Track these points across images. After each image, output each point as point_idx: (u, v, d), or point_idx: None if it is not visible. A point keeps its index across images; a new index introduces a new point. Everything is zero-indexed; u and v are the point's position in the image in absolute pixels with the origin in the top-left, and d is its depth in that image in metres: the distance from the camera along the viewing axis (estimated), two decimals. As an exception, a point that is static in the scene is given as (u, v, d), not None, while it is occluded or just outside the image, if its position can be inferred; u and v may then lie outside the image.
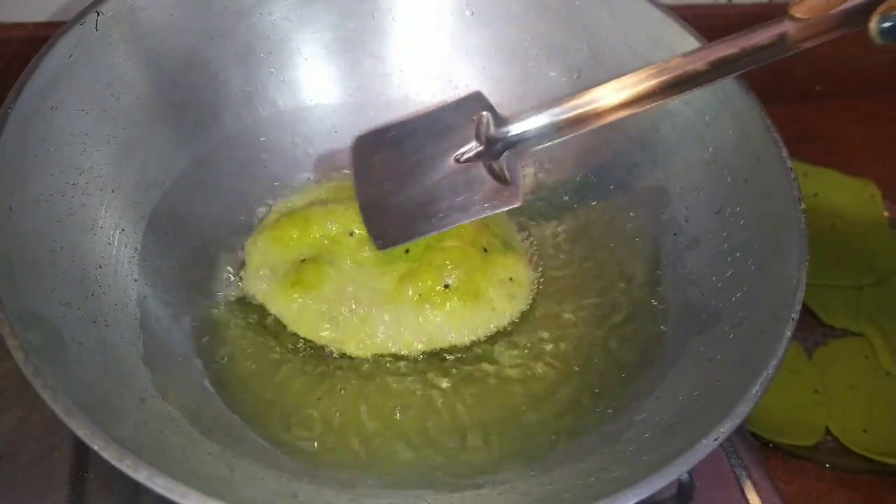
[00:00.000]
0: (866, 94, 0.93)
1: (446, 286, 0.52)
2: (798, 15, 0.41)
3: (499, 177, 0.51)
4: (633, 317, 0.53)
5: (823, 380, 0.67)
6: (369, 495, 0.43)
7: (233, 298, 0.53)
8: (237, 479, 0.40)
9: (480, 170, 0.51)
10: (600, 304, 0.54)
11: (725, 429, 0.36)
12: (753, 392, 0.37)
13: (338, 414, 0.48)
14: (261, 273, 0.54)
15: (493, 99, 0.61)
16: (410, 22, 0.61)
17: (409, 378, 0.51)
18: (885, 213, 0.78)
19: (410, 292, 0.52)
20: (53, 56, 0.46)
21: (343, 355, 0.52)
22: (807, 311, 0.72)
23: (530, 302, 0.55)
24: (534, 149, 0.50)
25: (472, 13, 0.60)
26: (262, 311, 0.53)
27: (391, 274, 0.53)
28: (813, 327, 0.71)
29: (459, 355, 0.52)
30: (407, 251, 0.54)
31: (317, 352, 0.52)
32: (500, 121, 0.51)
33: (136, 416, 0.40)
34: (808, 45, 0.42)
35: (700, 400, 0.42)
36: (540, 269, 0.57)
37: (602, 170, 0.59)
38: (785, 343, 0.39)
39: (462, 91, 0.62)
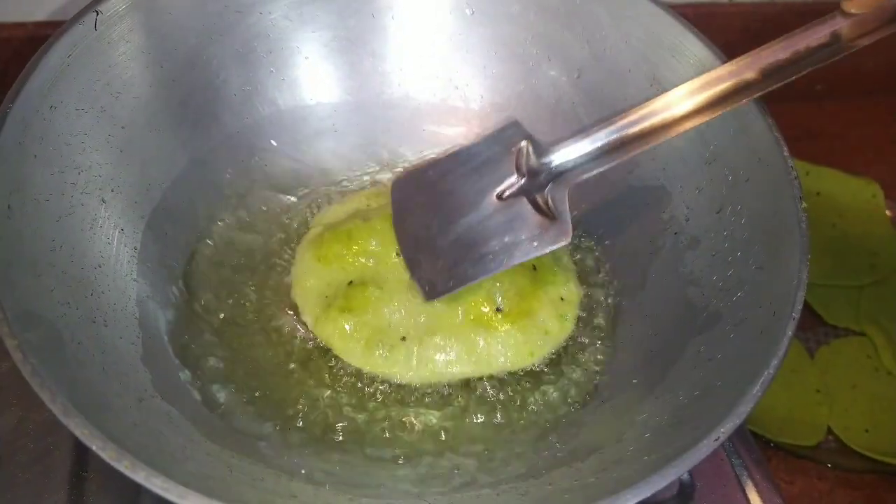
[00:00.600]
0: (868, 93, 0.92)
1: (498, 310, 0.50)
2: (852, 10, 0.39)
3: (544, 212, 0.47)
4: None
5: (825, 379, 0.67)
6: (368, 496, 0.43)
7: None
8: (236, 480, 0.39)
9: (524, 206, 0.48)
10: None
11: (726, 429, 0.36)
12: (754, 392, 0.37)
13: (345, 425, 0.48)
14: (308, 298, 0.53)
15: (493, 98, 0.62)
16: (410, 21, 0.60)
17: (451, 404, 0.50)
18: (887, 213, 0.78)
19: (461, 317, 0.50)
20: (53, 55, 0.46)
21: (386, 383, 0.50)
22: (808, 310, 0.72)
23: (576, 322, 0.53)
24: (579, 179, 0.48)
25: (472, 12, 0.60)
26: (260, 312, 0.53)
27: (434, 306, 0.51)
28: (815, 327, 0.71)
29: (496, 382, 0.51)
30: None
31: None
32: (541, 150, 0.48)
33: (135, 415, 0.40)
34: (863, 42, 0.39)
35: (701, 400, 0.42)
36: (584, 286, 0.55)
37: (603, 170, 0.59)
38: (786, 342, 0.39)
39: (462, 90, 0.62)
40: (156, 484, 0.33)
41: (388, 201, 0.54)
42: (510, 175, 0.49)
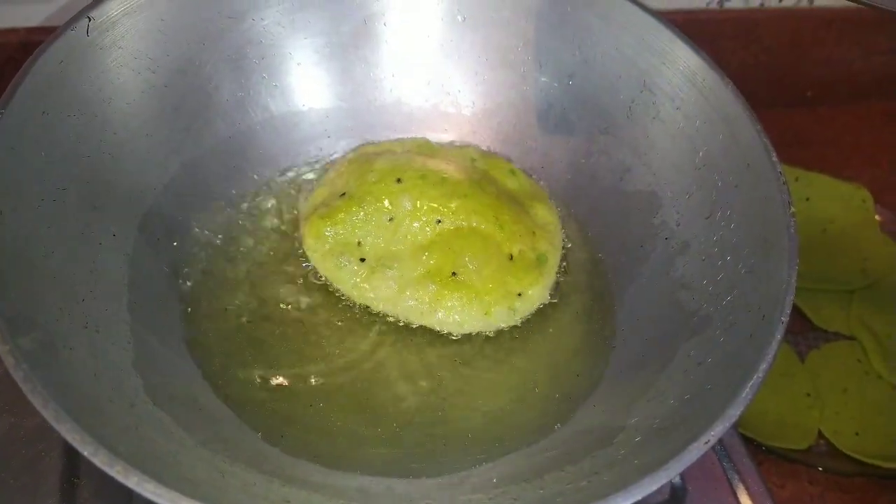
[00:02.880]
0: (857, 99, 0.93)
1: (454, 274, 0.54)
2: None
3: None
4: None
5: (816, 383, 0.67)
6: (361, 501, 0.43)
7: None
8: (228, 485, 0.39)
9: None
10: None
11: (716, 431, 0.36)
12: (744, 395, 0.38)
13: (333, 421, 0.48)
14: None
15: (484, 104, 0.62)
16: (402, 27, 0.61)
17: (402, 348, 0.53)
18: (877, 218, 0.78)
19: (422, 262, 0.54)
20: (45, 61, 0.46)
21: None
22: (799, 314, 0.72)
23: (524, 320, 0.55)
24: None
25: (464, 18, 0.60)
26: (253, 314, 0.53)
27: (412, 240, 0.55)
28: (805, 331, 0.72)
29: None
30: (439, 221, 0.55)
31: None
32: None
33: (127, 421, 0.40)
34: None
35: (691, 403, 0.42)
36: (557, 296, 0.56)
37: (594, 175, 0.59)
38: (775, 346, 0.40)
39: (454, 96, 0.62)
40: (148, 489, 0.33)
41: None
42: None
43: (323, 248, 0.55)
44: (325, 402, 0.49)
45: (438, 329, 0.53)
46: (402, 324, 0.54)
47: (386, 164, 0.57)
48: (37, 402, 0.34)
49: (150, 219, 0.52)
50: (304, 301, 0.54)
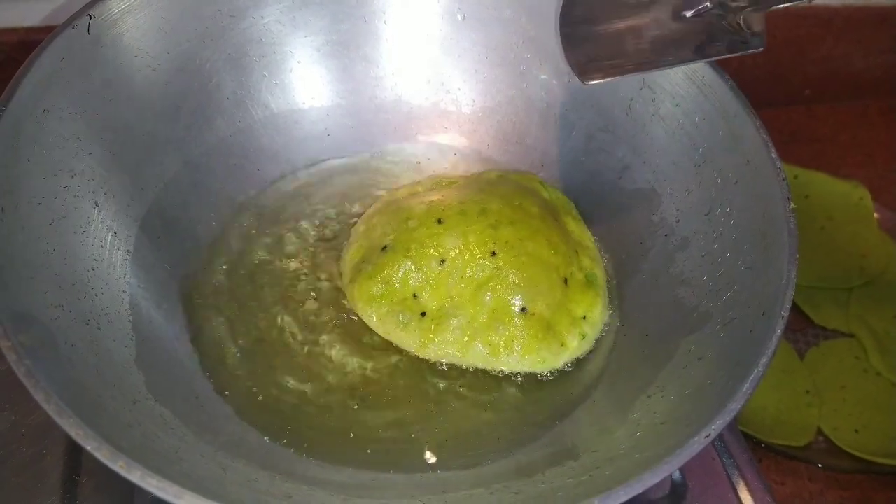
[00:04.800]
0: (855, 97, 0.93)
1: (523, 310, 0.51)
2: None
3: (735, 29, 0.46)
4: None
5: (815, 380, 0.67)
6: (362, 496, 0.43)
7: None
8: (230, 480, 0.40)
9: (715, 20, 0.46)
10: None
11: (716, 426, 0.36)
12: (744, 390, 0.38)
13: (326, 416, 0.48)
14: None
15: (485, 101, 0.62)
16: (402, 25, 0.61)
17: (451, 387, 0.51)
18: (875, 215, 0.78)
19: (486, 305, 0.51)
20: (46, 59, 0.46)
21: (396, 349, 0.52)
22: (798, 312, 0.72)
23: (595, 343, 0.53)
24: (778, 6, 0.45)
25: (464, 17, 0.60)
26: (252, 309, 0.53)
27: (470, 280, 0.52)
28: (804, 328, 0.72)
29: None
30: (493, 254, 0.51)
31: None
32: None
33: (129, 417, 0.40)
34: None
35: (691, 398, 0.42)
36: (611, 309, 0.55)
37: (594, 173, 0.59)
38: (775, 341, 0.40)
39: (454, 94, 0.62)
40: (151, 484, 0.33)
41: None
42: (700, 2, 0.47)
43: (380, 311, 0.52)
44: (327, 402, 0.49)
45: (519, 370, 0.51)
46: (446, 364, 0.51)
47: (420, 206, 0.55)
48: (40, 398, 0.34)
49: (152, 216, 0.52)
50: (310, 316, 0.53)
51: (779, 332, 0.40)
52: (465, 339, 0.51)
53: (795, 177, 0.80)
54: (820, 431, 0.64)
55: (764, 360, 0.39)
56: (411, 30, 0.61)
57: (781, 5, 0.45)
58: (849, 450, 0.63)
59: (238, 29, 0.57)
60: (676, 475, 0.51)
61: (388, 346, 0.52)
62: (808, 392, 0.66)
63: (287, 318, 0.53)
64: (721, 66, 0.52)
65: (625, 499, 0.34)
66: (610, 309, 0.54)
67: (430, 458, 0.46)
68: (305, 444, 0.46)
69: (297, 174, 0.60)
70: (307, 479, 0.43)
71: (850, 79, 0.91)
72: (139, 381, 0.43)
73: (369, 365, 0.51)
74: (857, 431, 0.64)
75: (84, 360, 0.41)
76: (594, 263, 0.56)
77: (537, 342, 0.51)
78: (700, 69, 0.52)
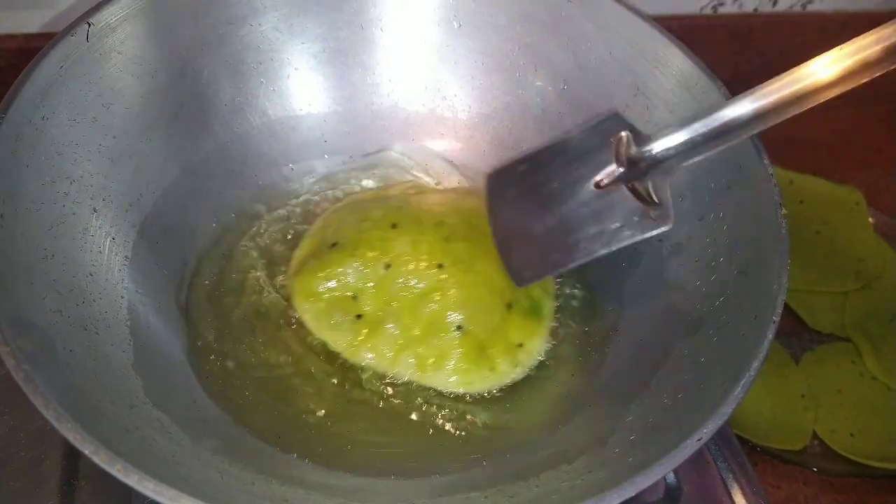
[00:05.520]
0: (850, 103, 0.93)
1: (458, 328, 0.50)
2: None
3: (644, 199, 0.47)
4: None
5: (810, 384, 0.68)
6: (359, 500, 0.43)
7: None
8: (227, 484, 0.40)
9: (623, 193, 0.48)
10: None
11: (708, 429, 0.37)
12: (736, 393, 0.38)
13: (329, 422, 0.49)
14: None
15: (480, 108, 0.62)
16: (399, 32, 0.61)
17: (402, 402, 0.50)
18: (870, 220, 0.79)
19: (423, 316, 0.50)
20: (45, 66, 0.46)
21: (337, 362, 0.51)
22: (794, 316, 0.72)
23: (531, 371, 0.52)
24: (682, 165, 0.46)
25: (460, 25, 0.61)
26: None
27: (412, 289, 0.51)
28: (800, 332, 0.72)
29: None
30: (440, 266, 0.51)
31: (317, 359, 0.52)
32: (642, 139, 0.47)
33: (127, 422, 0.40)
34: None
35: (684, 402, 0.42)
36: (555, 341, 0.54)
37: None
38: (766, 345, 0.40)
39: (451, 100, 0.63)
40: (148, 488, 0.33)
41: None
42: (609, 164, 0.48)
43: (316, 307, 0.52)
44: (321, 408, 0.50)
45: (442, 389, 0.50)
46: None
47: (379, 209, 0.54)
48: (38, 403, 0.34)
49: (150, 223, 0.52)
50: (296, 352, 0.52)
51: (770, 336, 0.40)
52: (396, 348, 0.50)
53: (791, 182, 0.80)
54: (815, 435, 0.65)
55: (755, 365, 0.39)
56: (408, 37, 0.61)
57: (684, 164, 0.46)
58: (844, 454, 0.63)
59: (236, 36, 0.57)
60: (671, 478, 0.51)
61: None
62: (803, 396, 0.67)
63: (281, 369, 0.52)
64: (716, 73, 0.52)
65: (618, 501, 0.34)
66: (552, 342, 0.54)
67: (424, 463, 0.47)
68: (302, 448, 0.46)
69: (295, 180, 0.61)
70: (304, 483, 0.43)
71: (845, 84, 0.92)
72: (137, 386, 0.44)
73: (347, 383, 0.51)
74: (852, 435, 0.64)
75: (82, 365, 0.41)
76: (544, 295, 0.55)
77: (467, 362, 0.50)
78: (694, 76, 0.53)
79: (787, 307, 0.71)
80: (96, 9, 0.50)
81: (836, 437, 0.64)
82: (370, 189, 0.61)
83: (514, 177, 0.53)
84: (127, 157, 0.51)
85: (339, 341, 0.51)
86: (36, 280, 0.42)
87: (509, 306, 0.52)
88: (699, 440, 0.36)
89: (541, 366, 0.53)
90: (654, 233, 0.46)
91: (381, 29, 0.61)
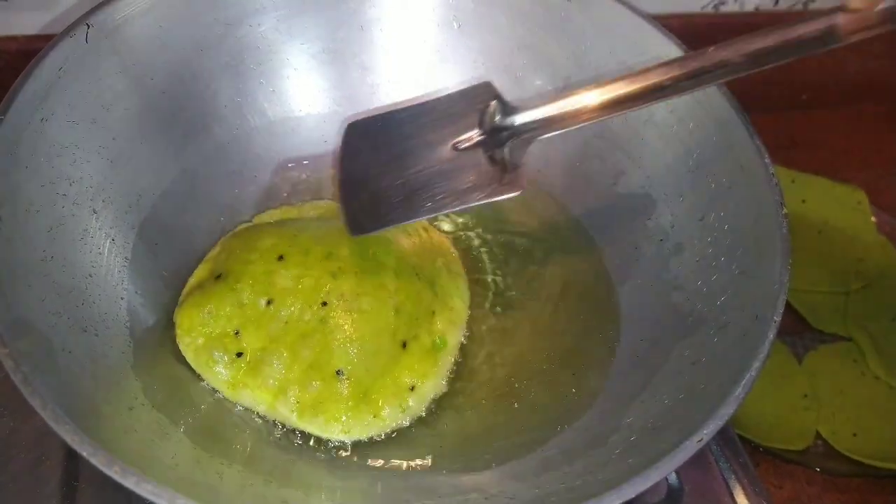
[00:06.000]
0: (852, 102, 0.93)
1: (338, 372, 0.47)
2: (855, 6, 0.38)
3: (500, 165, 0.48)
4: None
5: (813, 384, 0.67)
6: (358, 500, 0.43)
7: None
8: (226, 485, 0.40)
9: (480, 157, 0.48)
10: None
11: (709, 430, 0.37)
12: (737, 393, 0.38)
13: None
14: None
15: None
16: (398, 33, 0.61)
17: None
18: (872, 219, 0.79)
19: (306, 357, 0.47)
20: (44, 68, 0.46)
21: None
22: (796, 316, 0.72)
23: (422, 415, 0.50)
24: (540, 137, 0.47)
25: (459, 25, 0.61)
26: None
27: (293, 328, 0.48)
28: (802, 332, 0.72)
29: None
30: (324, 304, 0.48)
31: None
32: (509, 109, 0.48)
33: (126, 423, 0.40)
34: (857, 38, 0.39)
35: (685, 402, 0.42)
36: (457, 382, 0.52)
37: (589, 179, 0.60)
38: (768, 345, 0.40)
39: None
40: (146, 489, 0.33)
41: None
42: (470, 129, 0.49)
43: (196, 343, 0.48)
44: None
45: (320, 435, 0.47)
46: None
47: (272, 237, 0.52)
48: (36, 404, 0.34)
49: (149, 224, 0.52)
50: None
51: (771, 336, 0.40)
52: (274, 390, 0.47)
53: (793, 181, 0.80)
54: (818, 435, 0.64)
55: (757, 365, 0.39)
56: (407, 37, 0.61)
57: (544, 136, 0.47)
58: (847, 453, 0.63)
59: (235, 37, 0.57)
60: (673, 479, 0.51)
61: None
62: (806, 396, 0.67)
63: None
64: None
65: (618, 502, 0.34)
66: (448, 380, 0.51)
67: (426, 462, 0.47)
68: (300, 449, 0.46)
69: (294, 181, 0.61)
70: (303, 484, 0.43)
71: (846, 84, 0.92)
72: (136, 388, 0.44)
73: None
74: (855, 435, 0.64)
75: (81, 367, 0.41)
76: (450, 327, 0.52)
77: (345, 410, 0.47)
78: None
79: (789, 307, 0.71)
80: (96, 10, 0.50)
81: (839, 436, 0.64)
82: (282, 207, 0.59)
83: (373, 130, 0.52)
84: (126, 159, 0.51)
85: (217, 379, 0.48)
86: (35, 282, 0.42)
87: (404, 345, 0.49)
88: (700, 441, 0.36)
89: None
90: (504, 197, 0.47)
91: (380, 29, 0.61)
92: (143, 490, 0.33)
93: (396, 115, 0.52)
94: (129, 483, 0.33)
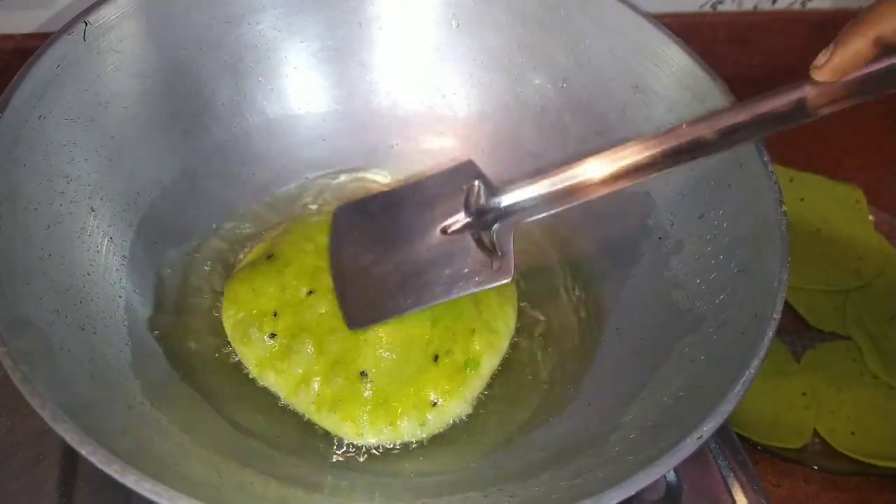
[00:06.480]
0: (851, 100, 0.93)
1: (363, 374, 0.48)
2: (819, 79, 0.38)
3: (488, 250, 0.47)
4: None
5: (811, 382, 0.67)
6: (359, 500, 0.43)
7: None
8: (226, 484, 0.40)
9: (468, 242, 0.48)
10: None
11: (708, 428, 0.37)
12: (735, 391, 0.38)
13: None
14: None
15: (480, 106, 0.62)
16: (397, 31, 0.61)
17: None
18: (871, 218, 0.79)
19: (331, 350, 0.48)
20: (42, 66, 0.46)
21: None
22: (795, 314, 0.72)
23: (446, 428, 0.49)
24: (527, 220, 0.47)
25: (459, 23, 0.61)
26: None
27: (328, 322, 0.49)
28: (801, 331, 0.72)
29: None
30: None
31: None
32: (493, 190, 0.48)
33: (125, 422, 0.40)
34: (827, 111, 0.39)
35: (684, 400, 0.42)
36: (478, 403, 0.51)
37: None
38: (766, 343, 0.40)
39: (449, 99, 0.63)
40: (146, 488, 0.33)
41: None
42: (457, 212, 0.49)
43: (236, 317, 0.50)
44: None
45: (333, 432, 0.48)
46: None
47: (328, 235, 0.53)
48: (35, 403, 0.34)
49: (147, 222, 0.52)
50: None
51: (770, 334, 0.40)
52: (298, 378, 0.48)
53: (791, 180, 0.80)
54: (816, 433, 0.64)
55: (755, 363, 0.39)
56: (407, 35, 0.61)
57: (529, 219, 0.47)
58: (845, 452, 0.63)
59: (234, 35, 0.57)
60: (671, 477, 0.51)
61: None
62: (804, 394, 0.67)
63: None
64: (716, 71, 0.52)
65: (616, 500, 0.34)
66: (475, 402, 0.50)
67: (424, 463, 0.47)
68: (299, 449, 0.46)
69: (293, 179, 0.60)
70: (303, 483, 0.43)
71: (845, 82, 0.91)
72: (135, 386, 0.44)
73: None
74: (853, 434, 0.64)
75: (80, 365, 0.41)
76: (487, 350, 0.51)
77: (362, 412, 0.47)
78: (693, 73, 0.53)
79: (788, 305, 0.72)
80: (93, 8, 0.50)
81: (837, 435, 0.64)
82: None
83: (361, 215, 0.52)
84: (124, 157, 0.51)
85: (248, 356, 0.49)
86: (33, 280, 0.42)
87: (436, 358, 0.49)
88: (699, 438, 0.36)
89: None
90: (492, 285, 0.47)
91: (379, 27, 0.61)
92: (142, 489, 0.33)
93: (382, 200, 0.52)
94: (129, 482, 0.33)
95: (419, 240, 0.49)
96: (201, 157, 0.56)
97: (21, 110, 0.44)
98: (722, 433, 0.54)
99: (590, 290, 0.57)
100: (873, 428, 0.64)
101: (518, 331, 0.54)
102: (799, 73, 0.94)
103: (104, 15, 0.50)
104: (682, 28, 0.55)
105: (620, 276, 0.55)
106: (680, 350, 0.46)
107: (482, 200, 0.48)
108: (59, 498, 0.47)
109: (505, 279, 0.46)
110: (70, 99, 0.48)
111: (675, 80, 0.53)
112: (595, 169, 0.44)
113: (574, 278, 0.58)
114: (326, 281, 0.50)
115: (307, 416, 0.48)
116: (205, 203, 0.56)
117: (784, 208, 0.45)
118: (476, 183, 0.48)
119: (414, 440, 0.48)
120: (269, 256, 0.52)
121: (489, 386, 0.51)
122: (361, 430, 0.47)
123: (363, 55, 0.62)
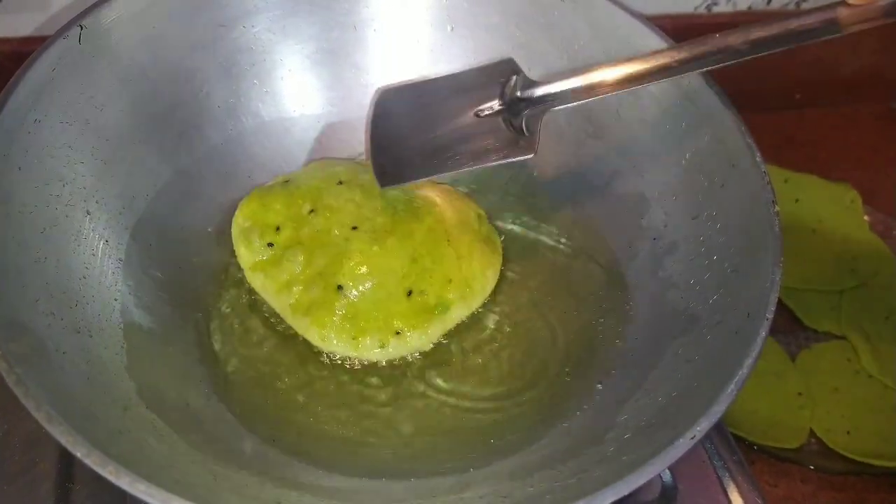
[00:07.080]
0: (846, 101, 0.94)
1: (339, 287, 0.51)
2: (854, 1, 0.40)
3: (517, 131, 0.52)
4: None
5: (807, 382, 0.68)
6: (353, 501, 0.43)
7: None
8: (220, 486, 0.40)
9: (499, 123, 0.53)
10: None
11: (701, 427, 0.37)
12: (729, 391, 0.38)
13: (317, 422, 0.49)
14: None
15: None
16: (392, 33, 0.61)
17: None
18: (866, 218, 0.79)
19: (316, 263, 0.52)
20: (37, 69, 0.46)
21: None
22: (790, 314, 0.72)
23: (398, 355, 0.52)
24: (556, 107, 0.51)
25: (453, 26, 0.61)
26: (244, 318, 0.53)
27: (320, 238, 0.53)
28: (796, 331, 0.72)
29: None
30: (354, 228, 0.53)
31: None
32: (528, 84, 0.52)
33: (120, 424, 0.40)
34: (857, 29, 0.40)
35: (679, 400, 0.42)
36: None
37: (584, 178, 0.60)
38: (760, 342, 0.40)
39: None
40: (140, 490, 0.33)
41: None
42: (492, 100, 0.53)
43: (244, 225, 0.54)
44: (316, 406, 0.49)
45: (300, 333, 0.52)
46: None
47: (341, 168, 0.57)
48: (30, 406, 0.35)
49: (143, 225, 0.52)
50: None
51: (763, 334, 0.40)
52: (283, 283, 0.52)
53: (786, 180, 0.80)
54: (812, 433, 0.64)
55: (748, 362, 0.39)
56: (401, 38, 0.61)
57: (557, 107, 0.51)
58: (841, 451, 0.63)
59: (229, 38, 0.57)
60: (667, 477, 0.51)
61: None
62: (800, 394, 0.67)
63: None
64: (711, 72, 0.52)
65: (611, 499, 0.34)
66: (435, 343, 0.53)
67: (418, 464, 0.47)
68: (296, 450, 0.46)
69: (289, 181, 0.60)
70: (297, 485, 0.43)
71: (840, 82, 0.92)
72: (130, 389, 0.44)
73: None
74: (849, 433, 0.64)
75: (75, 368, 0.41)
76: (458, 302, 0.53)
77: (330, 320, 0.51)
78: (687, 75, 0.53)
79: (783, 305, 0.72)
80: (89, 11, 0.50)
81: (833, 435, 0.64)
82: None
83: (402, 97, 0.56)
84: (120, 160, 0.51)
85: (245, 258, 0.54)
86: (28, 283, 0.42)
87: (409, 293, 0.52)
88: (693, 438, 0.36)
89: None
90: (519, 158, 0.51)
91: (374, 29, 0.61)
92: (137, 491, 0.33)
93: (425, 85, 0.57)
94: (123, 483, 0.33)
95: (454, 119, 0.54)
96: (197, 160, 0.57)
97: (16, 113, 0.45)
98: (718, 433, 0.54)
99: (583, 290, 0.57)
100: (869, 427, 0.65)
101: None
102: (794, 73, 0.95)
103: (99, 19, 0.50)
104: (677, 29, 0.56)
105: (615, 276, 0.55)
106: (675, 350, 0.47)
107: (518, 92, 0.52)
108: (55, 500, 0.47)
109: (529, 154, 0.51)
110: (65, 102, 0.48)
111: (668, 82, 0.53)
112: (628, 67, 0.47)
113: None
114: (328, 200, 0.54)
115: (284, 315, 0.52)
116: (200, 206, 0.56)
117: (777, 209, 0.46)
118: (515, 77, 0.53)
119: (369, 358, 0.51)
120: (286, 182, 0.56)
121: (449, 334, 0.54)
122: (325, 336, 0.51)
123: (357, 57, 0.62)
